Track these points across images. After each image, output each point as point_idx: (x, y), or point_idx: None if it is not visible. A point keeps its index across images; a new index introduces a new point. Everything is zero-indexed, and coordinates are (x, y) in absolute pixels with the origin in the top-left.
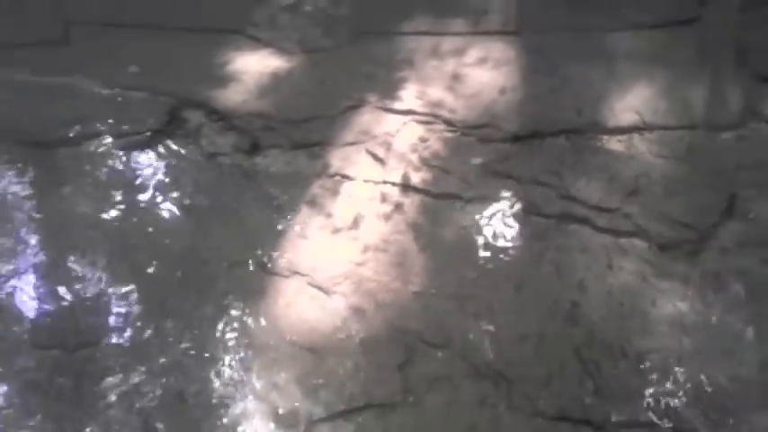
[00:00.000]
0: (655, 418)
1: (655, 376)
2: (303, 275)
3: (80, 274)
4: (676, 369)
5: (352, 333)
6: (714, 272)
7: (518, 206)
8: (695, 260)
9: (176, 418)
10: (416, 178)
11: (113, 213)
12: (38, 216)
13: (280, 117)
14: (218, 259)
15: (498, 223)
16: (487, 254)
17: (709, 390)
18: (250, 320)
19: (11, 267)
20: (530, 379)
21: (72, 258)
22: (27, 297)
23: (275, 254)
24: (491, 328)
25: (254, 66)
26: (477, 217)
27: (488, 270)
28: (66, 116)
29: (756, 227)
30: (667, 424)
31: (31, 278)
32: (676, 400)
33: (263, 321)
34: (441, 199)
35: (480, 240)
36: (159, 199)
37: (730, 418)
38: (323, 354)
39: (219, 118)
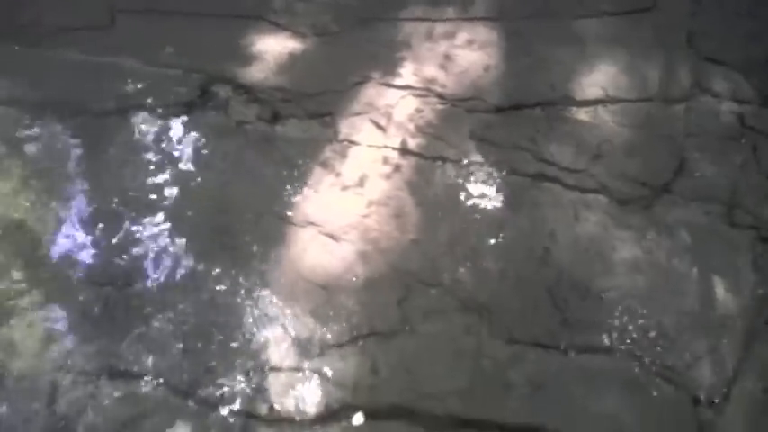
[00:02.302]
0: (613, 345)
1: (613, 310)
2: (316, 225)
3: (126, 224)
4: (632, 304)
5: (359, 274)
6: (665, 222)
7: (499, 167)
8: (649, 213)
9: (209, 344)
10: (413, 143)
11: (154, 172)
12: (90, 174)
13: (296, 91)
14: (244, 212)
15: (482, 181)
16: (473, 207)
17: (659, 321)
18: (272, 263)
19: (69, 219)
20: (508, 312)
21: (120, 210)
22: (83, 243)
23: (293, 207)
24: (476, 269)
25: (273, 47)
26: (464, 176)
27: (474, 221)
28: (112, 90)
29: (701, 184)
30: (623, 348)
31: (85, 227)
32: (631, 330)
33: (283, 264)
34: (434, 161)
35: (467, 196)
36: (193, 160)
37: (675, 344)
38: (334, 291)
39: (245, 92)
